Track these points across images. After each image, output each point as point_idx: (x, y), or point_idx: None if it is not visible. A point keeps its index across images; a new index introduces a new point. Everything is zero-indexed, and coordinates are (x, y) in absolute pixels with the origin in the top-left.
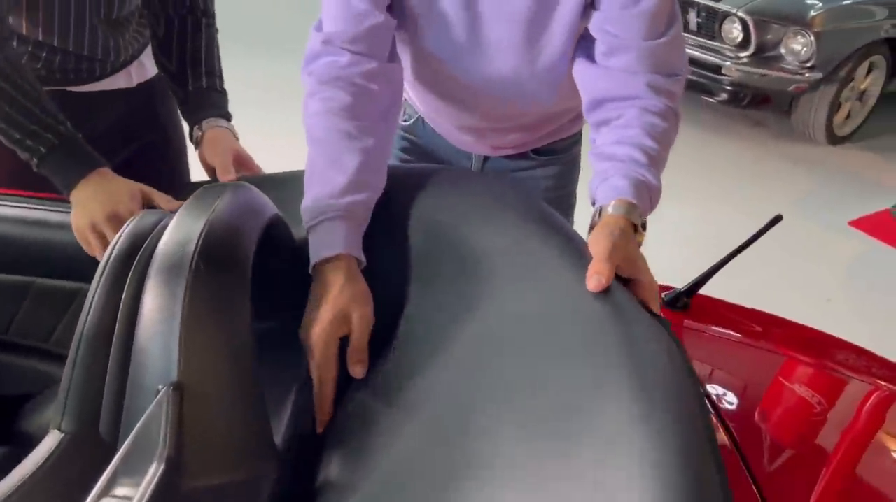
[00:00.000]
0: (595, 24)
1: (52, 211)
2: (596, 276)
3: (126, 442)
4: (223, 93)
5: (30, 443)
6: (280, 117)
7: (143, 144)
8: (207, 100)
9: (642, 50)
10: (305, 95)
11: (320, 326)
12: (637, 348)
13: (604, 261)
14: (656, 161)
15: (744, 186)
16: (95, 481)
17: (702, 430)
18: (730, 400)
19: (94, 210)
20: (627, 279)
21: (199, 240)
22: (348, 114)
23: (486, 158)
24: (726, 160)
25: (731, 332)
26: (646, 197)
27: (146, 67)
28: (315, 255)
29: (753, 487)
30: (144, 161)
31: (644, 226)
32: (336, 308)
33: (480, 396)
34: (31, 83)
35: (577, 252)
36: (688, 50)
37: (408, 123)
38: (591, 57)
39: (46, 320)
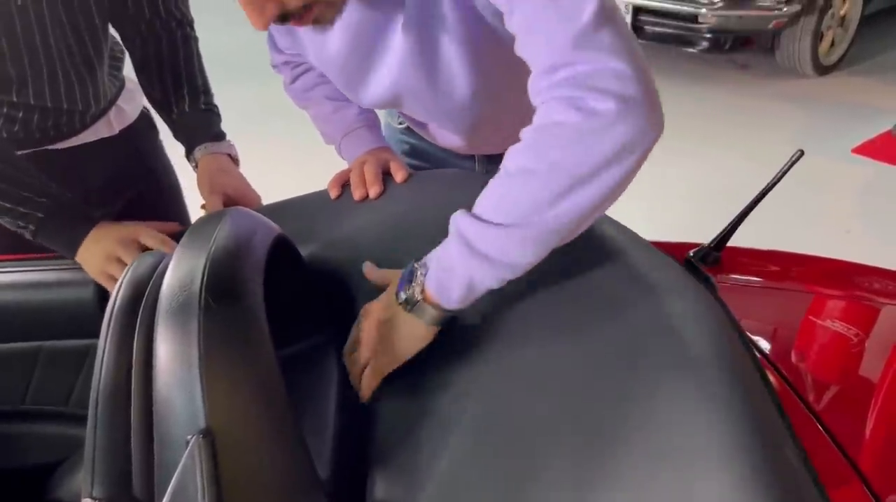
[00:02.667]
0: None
1: (47, 270)
2: None
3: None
4: (211, 110)
5: None
6: (277, 141)
7: (136, 193)
8: (195, 123)
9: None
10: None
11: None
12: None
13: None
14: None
15: (741, 131)
16: None
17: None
18: (774, 349)
19: (100, 251)
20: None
21: (203, 276)
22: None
23: (489, 157)
24: (718, 108)
25: (766, 280)
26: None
27: (125, 112)
28: (351, 158)
29: (819, 426)
30: (140, 209)
31: (410, 301)
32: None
33: (531, 404)
34: (8, 157)
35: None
36: (661, 3)
37: (403, 126)
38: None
39: (62, 383)
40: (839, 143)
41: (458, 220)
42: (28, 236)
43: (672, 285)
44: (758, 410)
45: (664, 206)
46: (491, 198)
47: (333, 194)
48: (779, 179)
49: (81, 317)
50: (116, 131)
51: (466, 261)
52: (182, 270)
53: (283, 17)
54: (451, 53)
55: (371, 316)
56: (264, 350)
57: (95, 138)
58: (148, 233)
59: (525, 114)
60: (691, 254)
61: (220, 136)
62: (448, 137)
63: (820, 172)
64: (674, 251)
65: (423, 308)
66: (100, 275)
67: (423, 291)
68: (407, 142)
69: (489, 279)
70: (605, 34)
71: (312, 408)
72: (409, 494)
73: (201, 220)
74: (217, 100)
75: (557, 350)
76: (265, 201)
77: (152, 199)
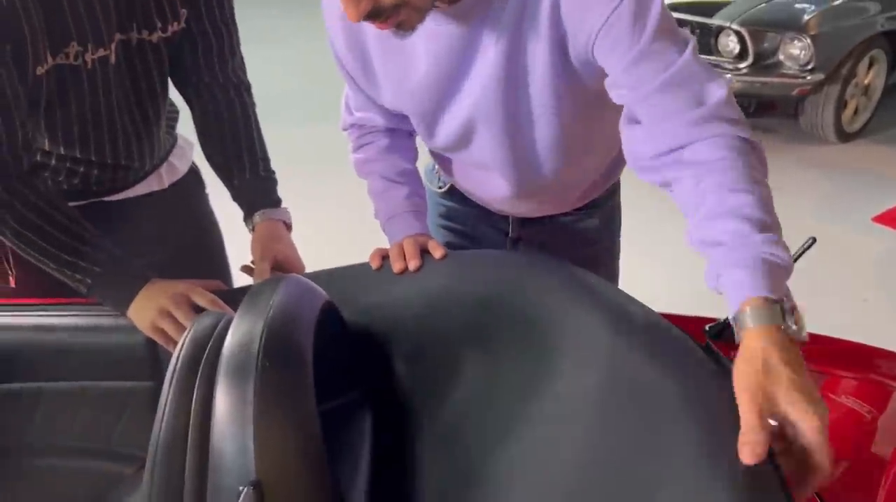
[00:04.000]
0: (611, 90)
1: (100, 315)
2: (748, 448)
3: None
4: (269, 177)
5: None
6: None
7: (181, 246)
8: (255, 190)
9: (661, 86)
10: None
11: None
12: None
13: (753, 430)
14: (761, 215)
15: None
16: None
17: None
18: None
19: (152, 306)
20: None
21: (261, 340)
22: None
23: (523, 220)
24: None
25: None
26: (776, 272)
27: (176, 167)
28: (393, 240)
29: None
30: (183, 262)
31: (792, 312)
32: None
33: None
34: (67, 214)
35: (629, 323)
36: None
37: (443, 190)
38: (625, 122)
39: (107, 422)
40: (860, 211)
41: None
42: (83, 289)
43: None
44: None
45: (674, 271)
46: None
47: (374, 265)
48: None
49: (129, 361)
50: (166, 185)
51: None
52: (242, 333)
53: (374, 14)
54: (539, 73)
55: (768, 365)
56: (310, 410)
57: (146, 191)
58: (199, 292)
59: (563, 189)
60: (707, 329)
61: (278, 203)
62: (494, 188)
63: (839, 240)
64: (689, 325)
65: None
66: (150, 329)
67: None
68: (444, 205)
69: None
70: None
71: (348, 460)
72: None
73: (259, 286)
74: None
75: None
76: (313, 260)
77: (196, 253)
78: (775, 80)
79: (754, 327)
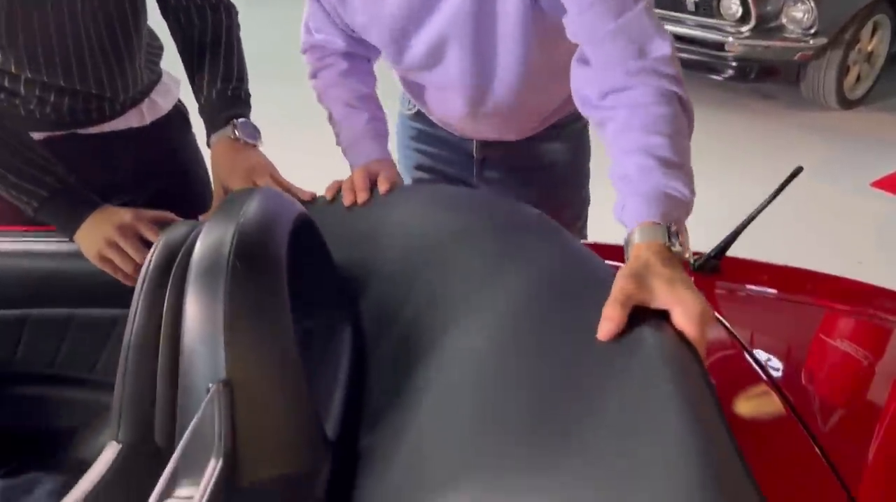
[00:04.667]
0: (567, 27)
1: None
2: (605, 323)
3: (182, 441)
4: (237, 97)
5: (86, 470)
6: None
7: (163, 186)
8: (217, 108)
9: (611, 33)
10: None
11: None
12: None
13: (613, 304)
14: (670, 155)
15: (760, 159)
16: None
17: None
18: (774, 364)
19: (99, 235)
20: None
21: (232, 242)
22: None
23: (485, 143)
24: (740, 136)
25: (766, 289)
26: (671, 202)
27: (158, 105)
28: (354, 166)
29: (820, 454)
30: (166, 203)
31: (678, 235)
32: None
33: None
34: (18, 138)
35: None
36: (688, 30)
37: (411, 112)
38: (575, 60)
39: (90, 351)
40: (858, 176)
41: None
42: (30, 212)
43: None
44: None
45: None
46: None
47: (328, 197)
48: (779, 191)
49: (112, 288)
50: (147, 122)
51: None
52: (214, 236)
53: None
54: (509, 8)
55: (654, 276)
56: (283, 313)
57: (125, 127)
58: (146, 225)
59: (533, 112)
60: (692, 262)
61: (242, 120)
62: (452, 108)
63: (837, 203)
64: None
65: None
66: (96, 258)
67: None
68: (414, 127)
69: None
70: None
71: (324, 377)
72: (389, 445)
73: (232, 195)
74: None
75: (523, 314)
76: None
77: (179, 194)
78: (777, 43)
79: (641, 242)
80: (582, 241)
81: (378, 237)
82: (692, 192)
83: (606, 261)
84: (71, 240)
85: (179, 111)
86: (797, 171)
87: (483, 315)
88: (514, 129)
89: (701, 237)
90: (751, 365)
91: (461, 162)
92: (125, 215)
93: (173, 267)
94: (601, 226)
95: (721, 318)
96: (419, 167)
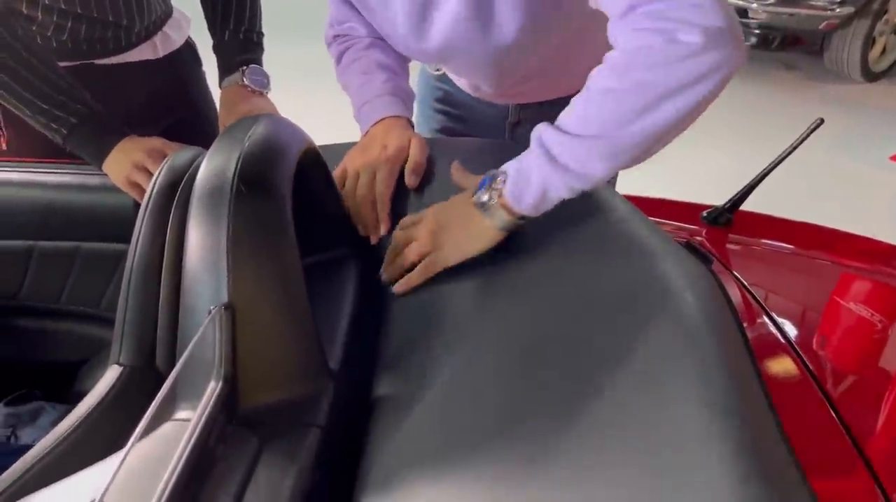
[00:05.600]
0: None
1: (92, 174)
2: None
3: (179, 362)
4: (248, 41)
5: None
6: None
7: (174, 121)
8: (228, 52)
9: None
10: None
11: (381, 148)
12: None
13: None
14: (575, 129)
15: (780, 131)
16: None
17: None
18: (786, 322)
19: (128, 160)
20: None
21: (237, 166)
22: (362, 55)
23: (521, 106)
24: (760, 106)
25: (780, 244)
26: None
27: (171, 38)
28: (365, 127)
29: (834, 416)
30: (176, 137)
31: (485, 203)
32: (396, 139)
33: (531, 328)
34: (46, 63)
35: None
36: None
37: (439, 72)
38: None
39: (96, 285)
40: (878, 150)
41: (542, 131)
42: (59, 140)
43: (667, 251)
44: (742, 385)
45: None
46: (573, 114)
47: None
48: (797, 145)
49: (119, 223)
50: (161, 55)
51: (545, 169)
52: (218, 159)
53: None
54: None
55: (440, 214)
56: (288, 239)
57: (139, 59)
58: (174, 147)
59: (562, 71)
60: (705, 214)
61: (252, 67)
62: (483, 87)
63: (854, 176)
64: (688, 210)
65: (497, 211)
66: (125, 183)
67: (500, 195)
68: (441, 89)
69: (563, 188)
70: None
71: (328, 312)
72: (408, 395)
73: (238, 121)
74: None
75: (555, 284)
76: None
77: (190, 129)
78: (803, 11)
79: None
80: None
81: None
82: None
83: None
84: (100, 168)
85: (190, 46)
86: (818, 124)
87: (518, 278)
88: (554, 89)
89: (713, 201)
90: (765, 322)
91: (493, 125)
92: (155, 141)
93: (178, 190)
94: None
95: (736, 274)
96: (444, 131)
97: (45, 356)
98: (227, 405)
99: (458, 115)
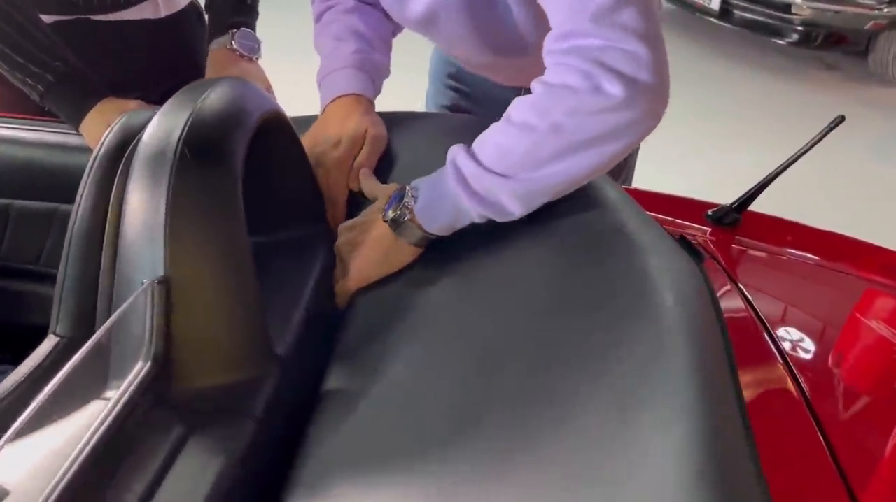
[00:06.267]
0: None
1: (74, 134)
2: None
3: (97, 335)
4: (244, 3)
5: None
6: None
7: (173, 85)
8: (220, 12)
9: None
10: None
11: (333, 144)
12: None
13: None
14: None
15: (815, 132)
16: (92, 384)
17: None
18: (789, 339)
19: (104, 122)
20: None
21: (184, 128)
22: (339, 18)
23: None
24: (797, 106)
25: (792, 251)
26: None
27: None
28: (325, 101)
29: (824, 445)
30: None
31: (397, 220)
32: (351, 130)
33: (496, 322)
34: (26, 16)
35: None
36: None
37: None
38: None
39: None
40: None
41: (457, 155)
42: (36, 97)
43: (657, 247)
44: (715, 384)
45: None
46: (489, 143)
47: None
48: (815, 143)
49: None
50: (162, 15)
51: (457, 192)
52: (166, 120)
53: None
54: None
55: (354, 230)
56: (234, 210)
57: (140, 17)
58: (154, 109)
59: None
60: (710, 213)
61: (243, 30)
62: (473, 56)
63: (888, 185)
64: (694, 207)
65: (408, 228)
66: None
67: (410, 212)
68: (454, 65)
69: (474, 214)
70: (626, 12)
71: (285, 294)
72: (357, 389)
73: (198, 81)
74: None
75: (530, 278)
76: None
77: None
78: (849, 9)
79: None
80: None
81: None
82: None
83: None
84: (76, 130)
85: (195, 7)
86: (838, 121)
87: (492, 269)
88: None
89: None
90: (762, 336)
91: (504, 104)
92: (132, 104)
93: (126, 152)
94: (645, 175)
95: (736, 281)
96: (453, 108)
97: (21, 319)
98: (155, 387)
99: (468, 92)
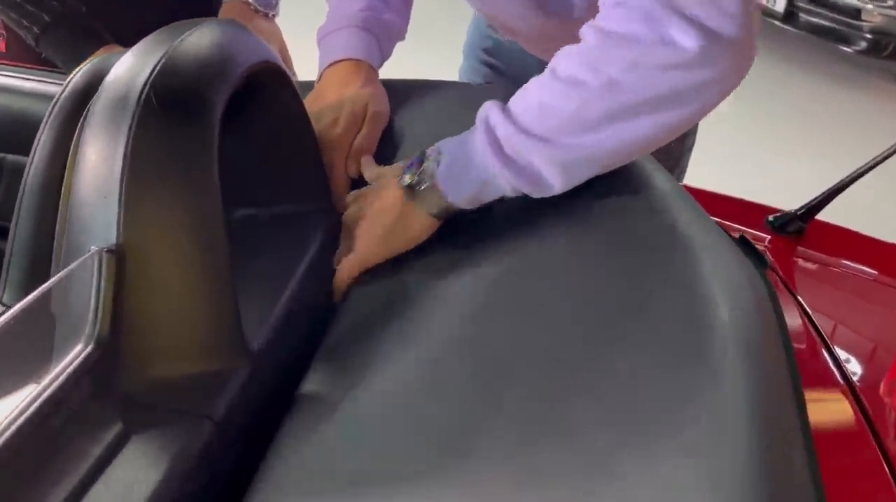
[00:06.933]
0: None
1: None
2: None
3: (19, 305)
4: None
5: None
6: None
7: None
8: None
9: None
10: None
11: (330, 123)
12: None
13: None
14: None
15: (880, 148)
16: (17, 364)
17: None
18: (854, 362)
19: None
20: None
21: (153, 70)
22: None
23: None
24: (861, 117)
25: (864, 268)
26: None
27: None
28: (323, 64)
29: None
30: None
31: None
32: (349, 105)
33: (513, 323)
34: None
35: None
36: None
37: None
38: None
39: None
40: None
41: (490, 112)
42: (31, 40)
43: (711, 248)
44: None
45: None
46: (530, 100)
47: None
48: (891, 154)
49: None
50: None
51: (487, 156)
52: (131, 62)
53: None
54: None
55: (364, 199)
56: (207, 173)
57: None
58: None
59: None
60: (771, 218)
61: None
62: (509, 26)
63: None
64: (755, 212)
65: (428, 195)
66: None
67: (431, 177)
68: (491, 38)
69: (506, 184)
70: None
71: (268, 278)
72: (339, 393)
73: (182, 21)
74: None
75: (558, 276)
76: None
77: None
78: None
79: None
80: None
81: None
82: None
83: None
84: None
85: None
86: None
87: (515, 262)
88: None
89: None
90: (822, 357)
91: None
92: None
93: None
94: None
95: (796, 295)
96: None
97: None
98: (96, 374)
99: (503, 69)
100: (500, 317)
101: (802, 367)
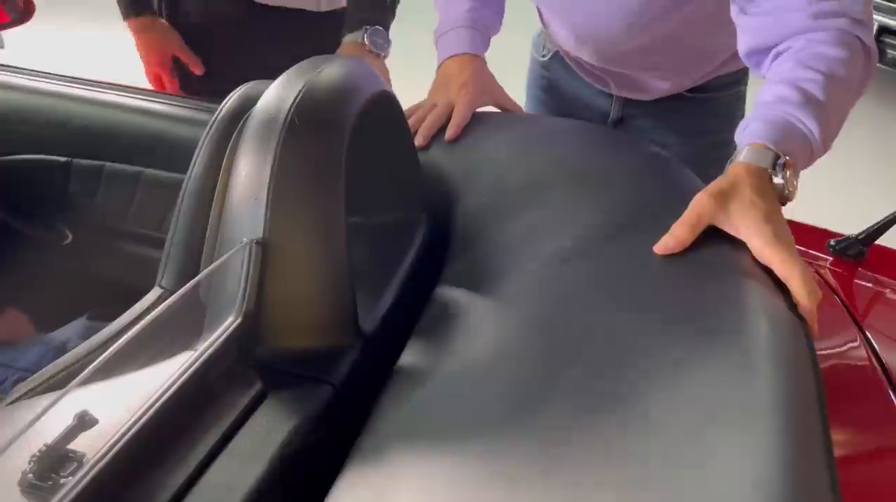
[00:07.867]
0: None
1: (196, 110)
2: (665, 239)
3: (189, 284)
4: (383, 3)
5: None
6: None
7: None
8: (358, 7)
9: None
10: None
11: (461, 90)
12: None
13: (683, 223)
14: (816, 93)
15: None
16: (183, 332)
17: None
18: None
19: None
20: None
21: (297, 97)
22: None
23: (626, 101)
24: None
25: None
26: (793, 134)
27: None
28: (441, 57)
29: None
30: None
31: (785, 169)
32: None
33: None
34: None
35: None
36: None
37: (545, 58)
38: (736, 11)
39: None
40: None
41: (785, 81)
42: None
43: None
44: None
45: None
46: (814, 76)
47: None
48: None
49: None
50: (322, 9)
51: (810, 119)
52: (279, 90)
53: None
54: None
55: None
56: (336, 180)
57: (299, 7)
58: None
59: (669, 60)
60: (833, 243)
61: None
62: (581, 48)
63: None
64: (816, 235)
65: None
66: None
67: (792, 172)
68: (546, 77)
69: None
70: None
71: (379, 274)
72: (432, 366)
73: (316, 57)
74: None
75: (619, 277)
76: None
77: None
78: None
79: (742, 162)
80: None
81: (471, 167)
82: (823, 141)
83: None
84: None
85: None
86: None
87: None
88: (657, 84)
89: None
90: (882, 382)
91: (594, 120)
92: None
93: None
94: None
95: (856, 317)
96: None
97: (144, 279)
98: (242, 343)
99: (561, 108)
100: (578, 303)
101: (859, 386)
